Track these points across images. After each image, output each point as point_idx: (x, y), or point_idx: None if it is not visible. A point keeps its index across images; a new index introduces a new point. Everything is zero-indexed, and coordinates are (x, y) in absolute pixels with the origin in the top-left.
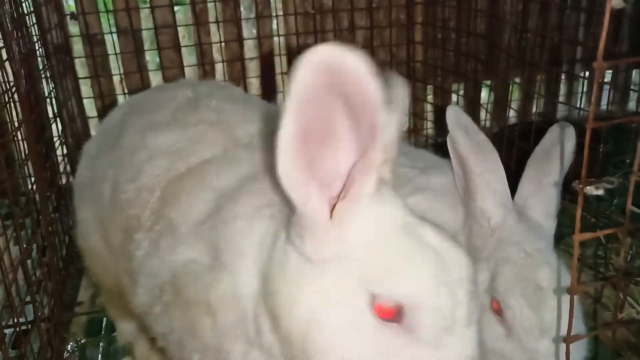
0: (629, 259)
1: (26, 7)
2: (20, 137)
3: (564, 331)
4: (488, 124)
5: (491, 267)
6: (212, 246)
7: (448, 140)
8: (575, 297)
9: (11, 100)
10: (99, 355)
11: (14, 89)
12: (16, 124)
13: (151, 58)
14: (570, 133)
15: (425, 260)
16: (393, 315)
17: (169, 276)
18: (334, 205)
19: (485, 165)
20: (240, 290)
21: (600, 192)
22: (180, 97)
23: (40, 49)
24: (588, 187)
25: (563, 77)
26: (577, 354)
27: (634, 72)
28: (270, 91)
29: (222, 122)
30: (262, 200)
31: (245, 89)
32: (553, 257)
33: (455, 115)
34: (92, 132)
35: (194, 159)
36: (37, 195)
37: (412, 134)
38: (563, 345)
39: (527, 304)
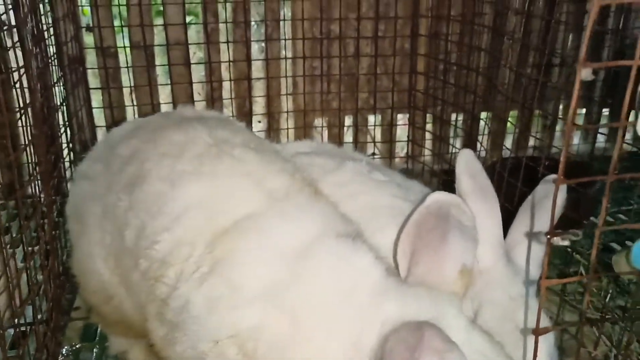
0: (607, 299)
1: (44, 20)
2: (31, 150)
3: None
4: (483, 154)
5: (475, 307)
6: (291, 316)
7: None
8: (554, 335)
9: (25, 114)
10: None
11: (29, 107)
12: (28, 134)
13: (161, 72)
14: (561, 188)
15: None
16: None
17: (228, 334)
18: None
19: (483, 209)
20: None
21: (567, 242)
22: (200, 142)
23: (55, 61)
24: (555, 238)
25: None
26: None
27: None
28: (273, 111)
29: (250, 174)
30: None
31: (250, 106)
32: (534, 302)
33: (465, 158)
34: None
35: (238, 213)
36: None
37: (410, 160)
38: None
39: (505, 343)
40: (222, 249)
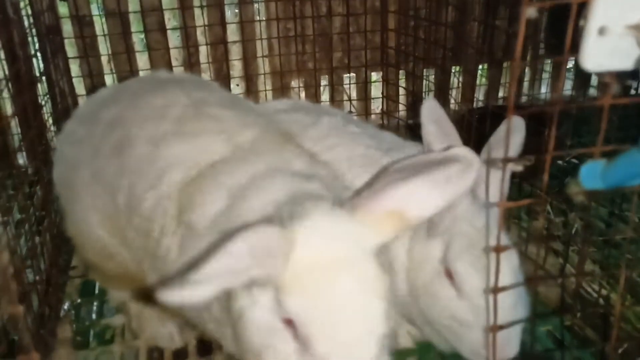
0: (574, 230)
1: None
2: (16, 118)
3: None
4: (456, 107)
5: (445, 240)
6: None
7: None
8: (518, 264)
9: (9, 83)
10: (93, 314)
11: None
12: (11, 105)
13: (138, 40)
14: (521, 126)
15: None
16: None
17: None
18: None
19: None
20: None
21: (520, 168)
22: (178, 104)
23: (32, 30)
24: (509, 164)
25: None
26: (507, 302)
27: None
28: (251, 74)
29: (225, 130)
30: (270, 197)
31: (228, 70)
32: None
33: (429, 107)
34: None
35: (204, 163)
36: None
37: (385, 116)
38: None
39: (473, 269)
40: (185, 196)
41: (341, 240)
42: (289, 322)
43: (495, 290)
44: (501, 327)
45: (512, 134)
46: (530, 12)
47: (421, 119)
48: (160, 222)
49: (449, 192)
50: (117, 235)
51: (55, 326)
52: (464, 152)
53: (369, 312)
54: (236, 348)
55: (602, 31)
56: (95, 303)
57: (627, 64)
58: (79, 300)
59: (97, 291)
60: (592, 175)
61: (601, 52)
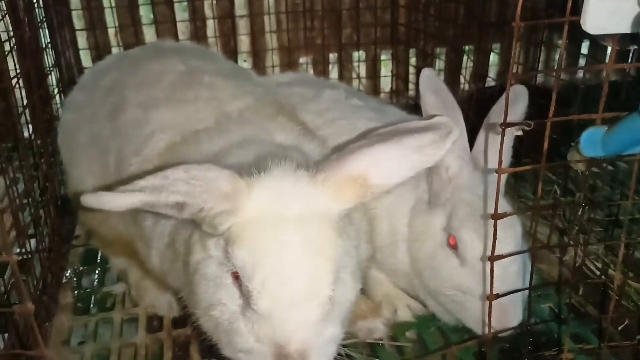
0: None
1: None
2: (21, 84)
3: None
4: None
5: (448, 210)
6: None
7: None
8: (521, 234)
9: (14, 47)
10: (95, 282)
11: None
12: (17, 71)
13: (145, 13)
14: (524, 94)
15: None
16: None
17: (167, 237)
18: None
19: None
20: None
21: (520, 132)
22: (174, 71)
23: (38, 1)
24: (509, 129)
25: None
26: (513, 268)
27: None
28: (259, 49)
29: (215, 99)
30: (237, 160)
31: (235, 45)
32: (502, 199)
33: (427, 77)
34: None
35: (189, 130)
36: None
37: (395, 95)
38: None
39: (476, 235)
40: (162, 161)
41: (296, 200)
42: (237, 277)
43: (492, 258)
44: (500, 295)
45: (514, 102)
46: None
47: (420, 89)
48: None
49: (417, 162)
50: None
51: (57, 292)
52: (445, 120)
53: (313, 273)
54: (190, 304)
55: None
56: (97, 271)
57: (628, 27)
58: (81, 268)
59: (99, 260)
60: (593, 142)
61: (602, 14)
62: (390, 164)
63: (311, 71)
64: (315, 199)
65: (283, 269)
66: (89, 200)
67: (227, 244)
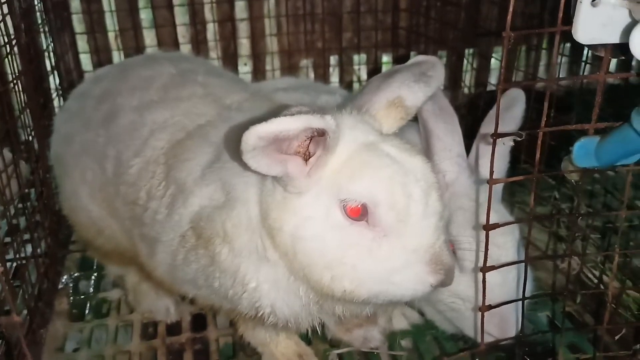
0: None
1: None
2: (19, 88)
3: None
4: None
5: (445, 216)
6: (222, 185)
7: None
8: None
9: (11, 52)
10: (91, 288)
11: (14, 42)
12: (15, 75)
13: (145, 16)
14: (521, 98)
15: (381, 166)
16: (359, 213)
17: (188, 225)
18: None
19: (444, 128)
20: (251, 214)
21: (511, 143)
22: (165, 74)
23: (39, 4)
24: (500, 139)
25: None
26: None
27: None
28: (259, 52)
29: (211, 94)
30: None
31: (236, 48)
32: (498, 206)
33: None
34: None
35: (191, 126)
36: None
37: None
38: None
39: (474, 242)
40: (173, 157)
41: (369, 128)
42: (356, 213)
43: (484, 269)
44: (496, 305)
45: (511, 106)
46: None
47: None
48: (147, 186)
49: (429, 82)
50: (106, 207)
51: (53, 298)
52: (425, 57)
53: (432, 178)
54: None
55: (595, 2)
56: (93, 277)
57: (619, 37)
58: (77, 274)
59: (95, 265)
60: (586, 152)
61: (594, 24)
62: (412, 86)
63: (312, 74)
64: (374, 127)
65: (411, 183)
66: (257, 130)
67: (339, 185)
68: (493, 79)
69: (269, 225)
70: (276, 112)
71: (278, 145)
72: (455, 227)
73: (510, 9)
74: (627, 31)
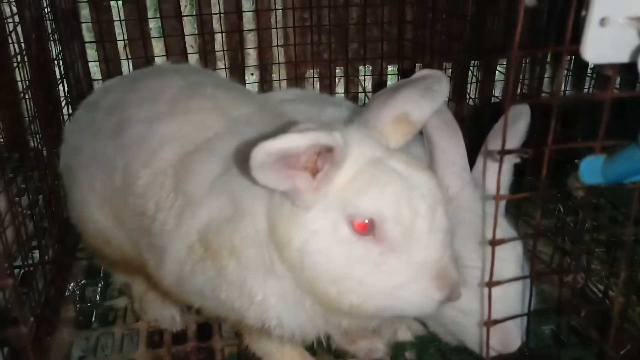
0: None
1: None
2: (29, 96)
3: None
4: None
5: (452, 231)
6: (230, 198)
7: None
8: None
9: (22, 61)
10: (97, 295)
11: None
12: (26, 84)
13: (154, 25)
14: (526, 113)
15: (388, 181)
16: (366, 228)
17: (196, 236)
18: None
19: (448, 142)
20: (258, 228)
21: (518, 160)
22: (174, 86)
23: (49, 14)
24: (506, 157)
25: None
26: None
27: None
28: (266, 63)
29: (219, 107)
30: None
31: (243, 59)
32: (501, 219)
33: None
34: None
35: (200, 139)
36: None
37: None
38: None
39: (477, 256)
40: (182, 169)
41: (374, 143)
42: (364, 228)
43: (490, 284)
44: (500, 321)
45: (515, 121)
46: (528, 1)
47: None
48: (155, 198)
49: (435, 97)
50: (114, 218)
51: (59, 306)
52: (430, 70)
53: (438, 193)
54: (309, 289)
55: (603, 22)
56: (99, 284)
57: (627, 57)
58: (84, 281)
59: (102, 273)
60: (592, 170)
61: (602, 44)
62: (418, 101)
63: (317, 85)
64: (380, 143)
65: (418, 199)
66: (266, 147)
67: (346, 200)
68: (498, 91)
69: (276, 239)
70: (284, 127)
71: (286, 161)
72: (457, 241)
73: (519, 28)
74: (636, 51)
